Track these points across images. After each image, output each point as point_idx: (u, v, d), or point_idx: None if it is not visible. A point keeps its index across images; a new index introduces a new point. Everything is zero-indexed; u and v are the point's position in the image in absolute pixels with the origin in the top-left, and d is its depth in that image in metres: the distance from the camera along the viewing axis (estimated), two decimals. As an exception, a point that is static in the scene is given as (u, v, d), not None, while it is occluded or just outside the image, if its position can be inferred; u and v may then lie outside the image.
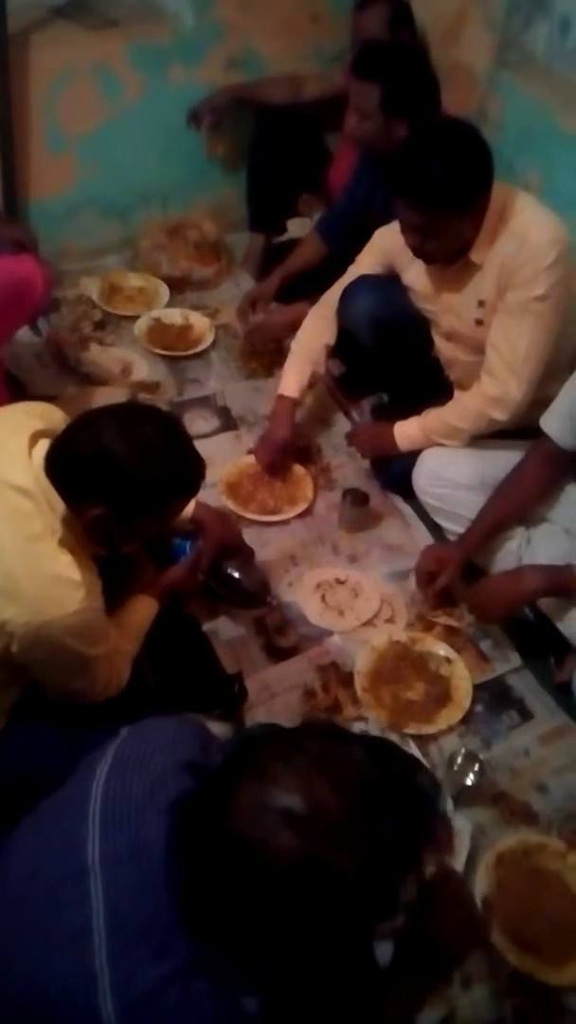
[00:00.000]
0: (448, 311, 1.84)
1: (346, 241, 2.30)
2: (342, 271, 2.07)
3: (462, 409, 1.84)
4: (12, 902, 0.87)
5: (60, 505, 1.22)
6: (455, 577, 1.75)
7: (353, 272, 2.00)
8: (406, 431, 1.93)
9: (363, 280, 1.97)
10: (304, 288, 2.34)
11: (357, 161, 2.27)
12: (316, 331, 2.08)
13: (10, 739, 1.36)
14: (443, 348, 1.94)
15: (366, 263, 1.98)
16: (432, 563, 1.77)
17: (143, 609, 1.51)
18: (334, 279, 2.08)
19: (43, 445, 1.24)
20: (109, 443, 1.18)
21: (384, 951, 1.29)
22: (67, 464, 1.21)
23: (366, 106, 2.01)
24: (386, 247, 1.92)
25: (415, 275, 1.87)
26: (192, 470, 1.27)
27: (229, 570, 1.72)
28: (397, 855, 0.77)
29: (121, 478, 1.18)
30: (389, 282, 1.95)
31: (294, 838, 0.72)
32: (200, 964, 0.77)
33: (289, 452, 2.11)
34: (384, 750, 0.84)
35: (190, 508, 1.64)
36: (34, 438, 1.24)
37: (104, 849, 0.83)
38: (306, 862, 0.72)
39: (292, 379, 2.08)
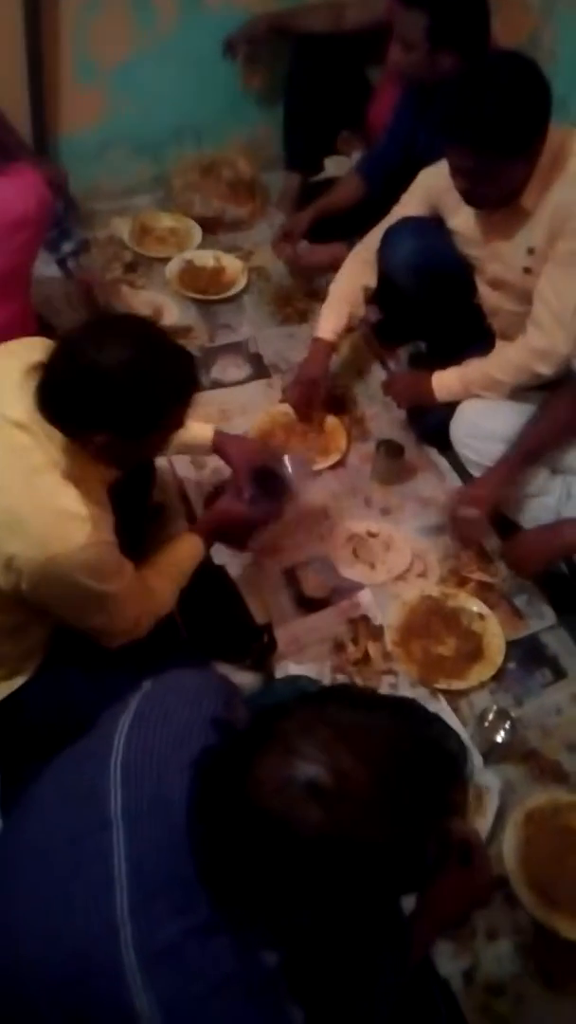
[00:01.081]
0: (495, 258, 1.77)
1: (386, 182, 2.21)
2: (381, 213, 2.00)
3: (504, 361, 1.78)
4: (34, 853, 0.87)
5: (58, 436, 1.18)
6: (489, 512, 1.73)
7: (396, 214, 1.92)
8: (445, 381, 1.87)
9: (405, 223, 1.89)
10: (343, 229, 2.25)
11: (400, 97, 2.17)
12: (355, 273, 2.01)
13: (40, 684, 1.37)
14: (487, 296, 1.87)
15: (410, 205, 1.90)
16: (464, 501, 1.75)
17: (186, 548, 1.48)
18: (373, 221, 2.01)
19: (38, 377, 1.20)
20: (94, 368, 1.13)
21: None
22: (59, 401, 1.17)
23: (411, 36, 1.91)
24: (431, 189, 1.84)
25: (462, 219, 1.80)
26: (184, 371, 1.22)
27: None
28: (423, 824, 0.76)
29: (116, 401, 1.14)
30: (432, 226, 1.87)
31: (319, 811, 0.71)
32: (220, 920, 0.77)
33: (320, 395, 2.05)
34: (411, 715, 0.82)
35: (208, 436, 1.63)
36: (33, 371, 1.19)
37: (126, 802, 0.83)
38: (331, 835, 0.71)
39: (328, 321, 2.02)
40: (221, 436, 1.66)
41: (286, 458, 1.68)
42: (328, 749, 0.73)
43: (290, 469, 1.66)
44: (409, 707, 0.84)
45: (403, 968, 1.05)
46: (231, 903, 0.77)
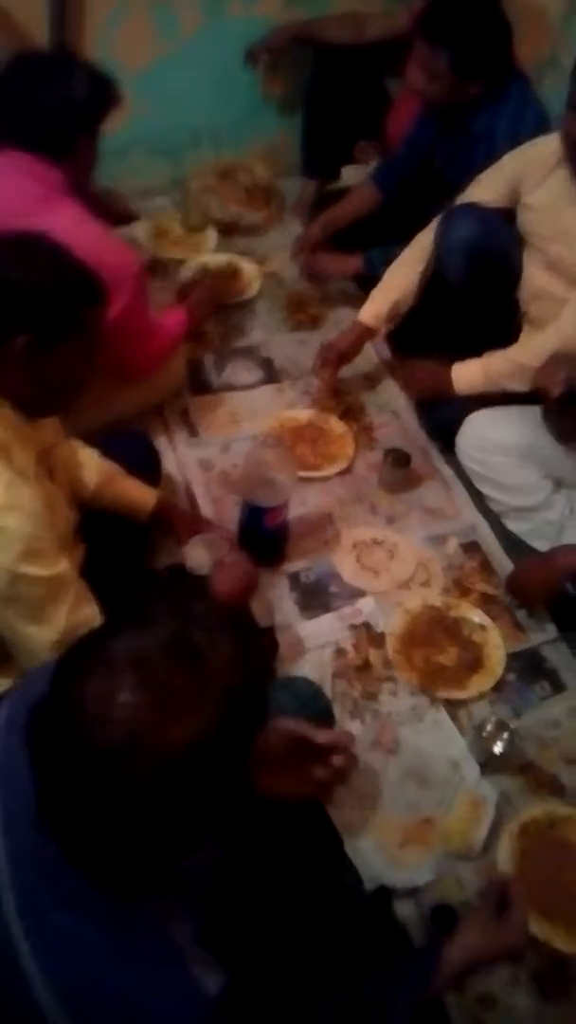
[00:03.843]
0: (563, 236, 1.78)
1: (401, 192, 2.23)
2: (396, 222, 2.01)
3: (535, 347, 1.78)
4: None
5: None
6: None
7: (468, 195, 1.94)
8: (465, 372, 1.89)
9: (470, 206, 1.90)
10: (363, 238, 2.27)
11: (421, 109, 2.18)
12: (413, 259, 2.01)
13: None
14: (535, 279, 1.88)
15: (488, 184, 1.91)
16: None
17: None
18: (388, 230, 2.02)
19: None
20: (6, 272, 1.13)
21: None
22: None
23: (436, 68, 1.96)
24: (517, 169, 1.86)
25: (543, 193, 1.81)
26: (90, 274, 1.20)
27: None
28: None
29: (30, 296, 1.12)
30: (496, 215, 1.89)
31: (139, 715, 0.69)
32: (101, 898, 0.76)
33: (343, 363, 2.07)
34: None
35: (150, 502, 1.59)
36: None
37: (5, 807, 0.82)
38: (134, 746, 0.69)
39: (371, 305, 2.03)
40: (165, 503, 1.65)
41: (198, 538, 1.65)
42: (111, 700, 0.69)
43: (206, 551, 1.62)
44: None
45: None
46: (105, 878, 0.76)
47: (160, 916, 0.80)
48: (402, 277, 2.02)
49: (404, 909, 1.38)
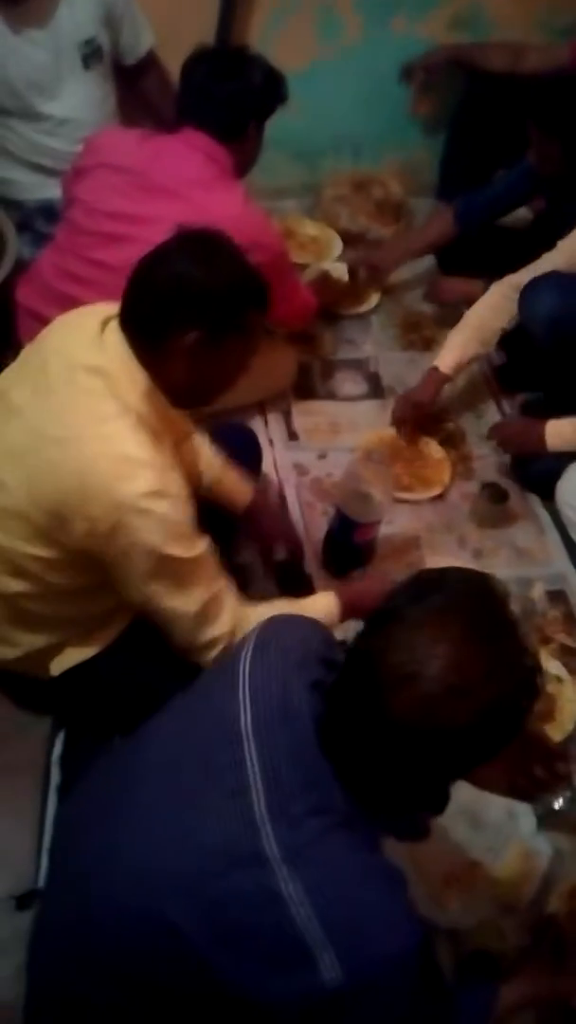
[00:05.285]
0: None
1: (480, 231, 2.21)
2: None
3: None
4: (160, 769, 0.94)
5: (142, 379, 1.18)
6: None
7: (550, 260, 1.91)
8: (560, 429, 1.86)
9: (554, 276, 1.87)
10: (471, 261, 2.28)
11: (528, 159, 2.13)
12: (494, 308, 1.98)
13: (112, 657, 1.37)
14: None
15: (570, 251, 1.88)
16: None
17: (321, 603, 1.40)
18: (505, 262, 2.00)
19: (114, 326, 1.20)
20: (183, 268, 1.17)
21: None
22: (146, 305, 1.18)
23: (546, 152, 1.98)
24: None
25: None
26: (262, 280, 1.24)
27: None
28: (522, 660, 0.83)
29: (202, 292, 1.16)
30: None
31: (463, 706, 0.78)
32: (358, 817, 0.85)
33: (423, 427, 2.06)
34: (470, 583, 0.86)
35: (247, 498, 1.61)
36: (105, 322, 1.22)
37: (256, 717, 0.89)
38: (475, 721, 0.79)
39: (451, 354, 2.00)
40: (258, 503, 1.64)
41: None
42: (437, 648, 0.79)
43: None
44: (461, 577, 0.88)
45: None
46: (367, 801, 0.85)
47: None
48: (484, 330, 1.99)
49: (440, 948, 1.35)
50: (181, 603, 1.22)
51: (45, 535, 1.18)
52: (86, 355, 1.18)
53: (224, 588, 1.28)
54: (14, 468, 1.18)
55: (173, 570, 1.19)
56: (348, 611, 1.41)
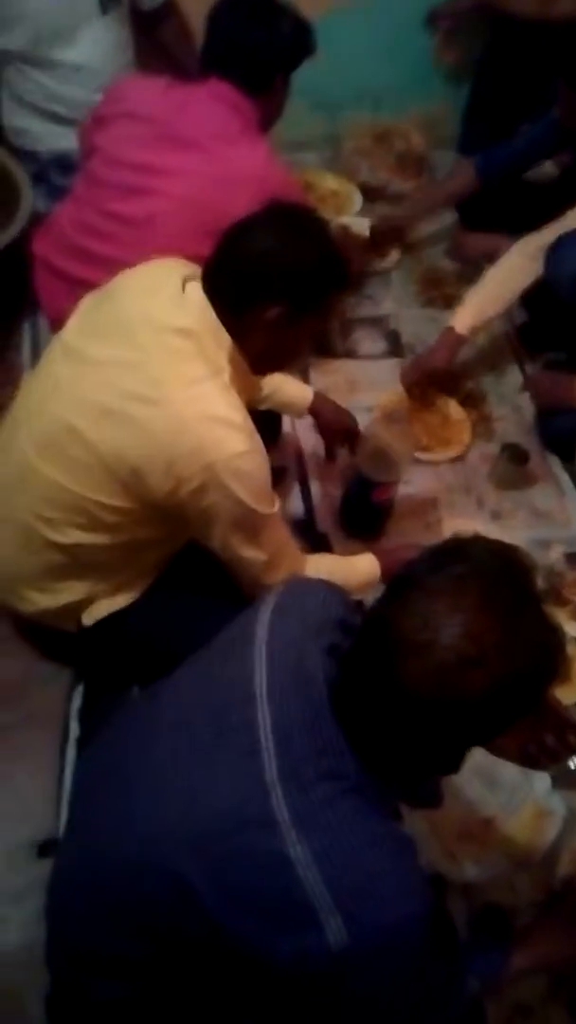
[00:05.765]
0: None
1: (503, 186, 2.16)
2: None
3: None
4: (174, 727, 0.94)
5: (227, 340, 1.21)
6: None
7: (569, 220, 1.86)
8: None
9: None
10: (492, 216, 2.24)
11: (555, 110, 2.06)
12: (515, 270, 1.94)
13: (143, 607, 1.39)
14: None
15: None
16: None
17: (363, 564, 1.45)
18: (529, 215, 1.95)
19: (195, 286, 1.23)
20: (270, 242, 1.19)
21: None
22: (234, 274, 1.20)
23: (574, 107, 1.91)
24: None
25: None
26: (345, 262, 1.27)
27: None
28: (541, 635, 0.81)
29: (290, 270, 1.19)
30: None
31: (478, 675, 0.76)
32: (368, 784, 0.85)
33: (440, 387, 2.04)
34: (491, 554, 0.85)
35: (308, 397, 1.69)
36: (184, 282, 1.23)
37: (270, 681, 0.89)
38: (491, 691, 0.77)
39: (468, 314, 1.96)
40: (321, 399, 1.72)
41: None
42: (453, 617, 0.77)
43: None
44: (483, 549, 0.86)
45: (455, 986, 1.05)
46: (378, 768, 0.85)
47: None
48: (504, 291, 1.95)
49: (453, 903, 1.37)
50: (255, 552, 1.27)
51: (124, 488, 1.20)
52: (172, 317, 1.19)
53: (289, 538, 1.35)
54: (97, 424, 1.19)
55: (252, 523, 1.24)
56: (386, 575, 1.44)
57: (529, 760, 1.05)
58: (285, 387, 1.67)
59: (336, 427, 1.75)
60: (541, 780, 1.49)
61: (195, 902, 0.83)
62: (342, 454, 1.80)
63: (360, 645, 0.85)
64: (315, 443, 1.95)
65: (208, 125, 1.64)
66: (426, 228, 2.42)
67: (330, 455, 1.81)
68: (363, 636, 0.85)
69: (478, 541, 0.87)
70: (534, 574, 0.85)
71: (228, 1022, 0.98)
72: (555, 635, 0.83)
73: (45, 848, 1.33)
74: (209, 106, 1.66)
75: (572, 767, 1.48)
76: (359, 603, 1.13)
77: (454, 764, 0.91)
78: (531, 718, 1.02)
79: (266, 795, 0.82)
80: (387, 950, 0.80)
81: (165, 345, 1.18)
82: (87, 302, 1.31)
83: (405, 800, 0.94)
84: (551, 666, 0.83)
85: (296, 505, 1.86)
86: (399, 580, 0.84)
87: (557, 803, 1.47)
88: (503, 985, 1.13)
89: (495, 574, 0.81)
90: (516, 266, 1.94)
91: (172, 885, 0.84)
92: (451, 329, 1.98)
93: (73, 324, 1.30)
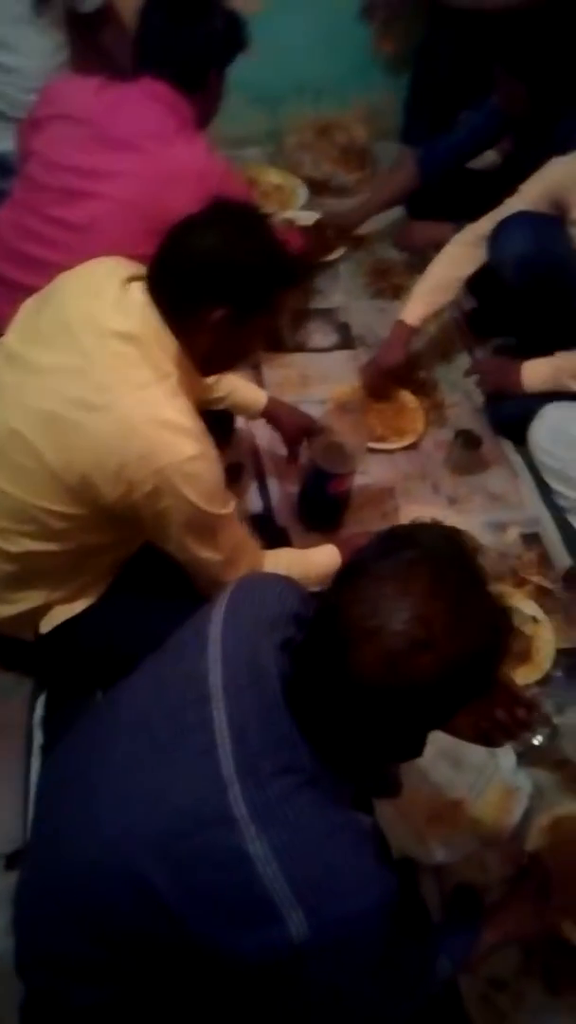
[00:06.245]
0: None
1: (443, 181, 2.18)
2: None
3: None
4: (131, 729, 0.94)
5: (172, 344, 1.20)
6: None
7: (512, 205, 1.88)
8: (535, 369, 1.86)
9: (524, 216, 1.85)
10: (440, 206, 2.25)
11: (494, 98, 2.09)
12: (457, 259, 1.97)
13: (99, 611, 1.39)
14: None
15: (530, 195, 1.86)
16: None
17: (323, 554, 1.47)
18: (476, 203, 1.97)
19: (137, 286, 1.22)
20: (216, 243, 1.18)
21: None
22: (177, 275, 1.19)
23: (513, 94, 1.94)
24: (559, 179, 1.80)
25: None
26: (289, 258, 1.27)
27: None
28: (488, 615, 0.82)
29: (234, 270, 1.18)
30: (550, 223, 1.83)
31: (427, 658, 0.77)
32: (324, 775, 0.86)
33: (395, 378, 2.05)
34: (434, 536, 0.85)
35: (262, 401, 1.71)
36: (125, 283, 1.22)
37: (226, 678, 0.89)
38: (442, 674, 0.78)
39: (416, 306, 1.99)
40: (275, 403, 1.73)
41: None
42: (402, 602, 0.78)
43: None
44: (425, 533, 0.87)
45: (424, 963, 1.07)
46: (334, 759, 0.86)
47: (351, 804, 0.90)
48: (448, 280, 1.98)
49: (425, 885, 1.39)
50: (211, 553, 1.28)
51: (75, 495, 1.20)
52: (114, 321, 1.18)
53: (246, 535, 1.36)
54: (43, 431, 1.18)
55: (207, 525, 1.25)
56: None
57: (484, 738, 1.07)
58: (239, 392, 1.68)
59: (294, 430, 1.76)
60: (507, 758, 1.51)
61: (158, 902, 0.83)
62: (304, 452, 1.80)
63: (312, 635, 0.86)
64: (270, 438, 1.96)
65: (143, 125, 1.63)
66: (373, 220, 2.43)
67: (292, 456, 1.81)
68: (315, 626, 0.86)
69: (423, 527, 0.88)
70: (478, 555, 0.86)
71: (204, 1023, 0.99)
72: (503, 615, 0.85)
73: (12, 860, 1.32)
74: (144, 105, 1.64)
75: (536, 743, 1.51)
76: (316, 595, 1.13)
77: (415, 749, 0.92)
78: (485, 698, 1.04)
79: (224, 792, 0.82)
80: (350, 941, 0.81)
81: (109, 350, 1.17)
82: (28, 306, 1.30)
83: (362, 790, 0.95)
84: (500, 646, 0.84)
85: (254, 500, 1.87)
86: (349, 568, 0.85)
87: (523, 780, 1.49)
88: (476, 961, 1.15)
89: (442, 558, 0.82)
90: (457, 255, 1.97)
91: (135, 887, 0.84)
92: (401, 323, 2.00)
93: (15, 330, 1.28)
